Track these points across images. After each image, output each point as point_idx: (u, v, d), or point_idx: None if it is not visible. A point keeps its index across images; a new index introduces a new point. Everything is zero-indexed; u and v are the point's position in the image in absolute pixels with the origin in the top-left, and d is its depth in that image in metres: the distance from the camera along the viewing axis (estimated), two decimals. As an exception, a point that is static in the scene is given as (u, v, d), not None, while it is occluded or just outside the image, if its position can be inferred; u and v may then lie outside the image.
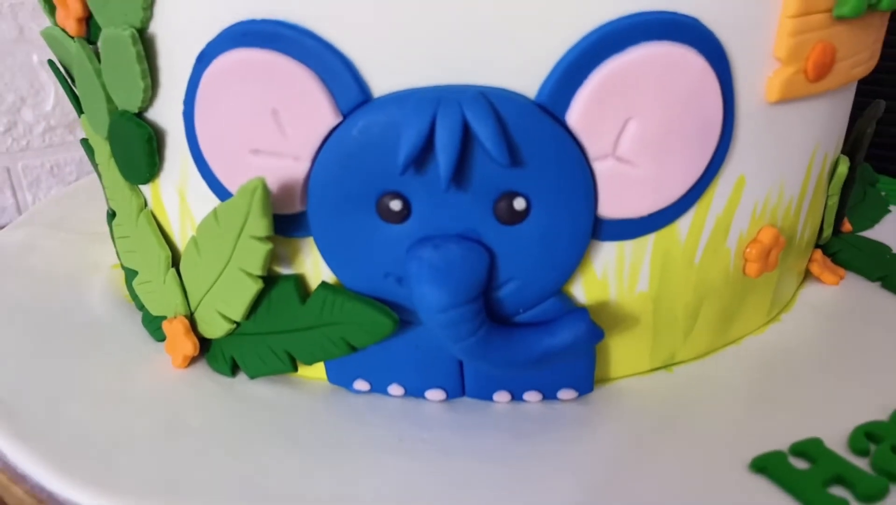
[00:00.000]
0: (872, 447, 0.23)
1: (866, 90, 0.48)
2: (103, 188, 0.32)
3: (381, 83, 0.22)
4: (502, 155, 0.21)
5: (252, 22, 0.22)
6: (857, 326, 0.31)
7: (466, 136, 0.21)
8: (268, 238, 0.23)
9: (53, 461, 0.24)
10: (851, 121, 0.33)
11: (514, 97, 0.21)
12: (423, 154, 0.21)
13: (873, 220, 0.40)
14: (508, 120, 0.21)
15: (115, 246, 0.33)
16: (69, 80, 0.31)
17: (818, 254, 0.34)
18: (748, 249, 0.27)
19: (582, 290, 0.25)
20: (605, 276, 0.25)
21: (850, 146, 0.33)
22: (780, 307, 0.32)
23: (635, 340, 0.27)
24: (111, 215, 0.32)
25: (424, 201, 0.23)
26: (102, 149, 0.29)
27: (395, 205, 0.23)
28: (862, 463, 0.23)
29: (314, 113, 0.22)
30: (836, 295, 0.33)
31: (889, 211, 0.42)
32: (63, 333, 0.31)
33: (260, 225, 0.23)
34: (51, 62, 0.31)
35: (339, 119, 0.22)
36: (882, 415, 0.25)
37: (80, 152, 0.59)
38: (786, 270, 0.31)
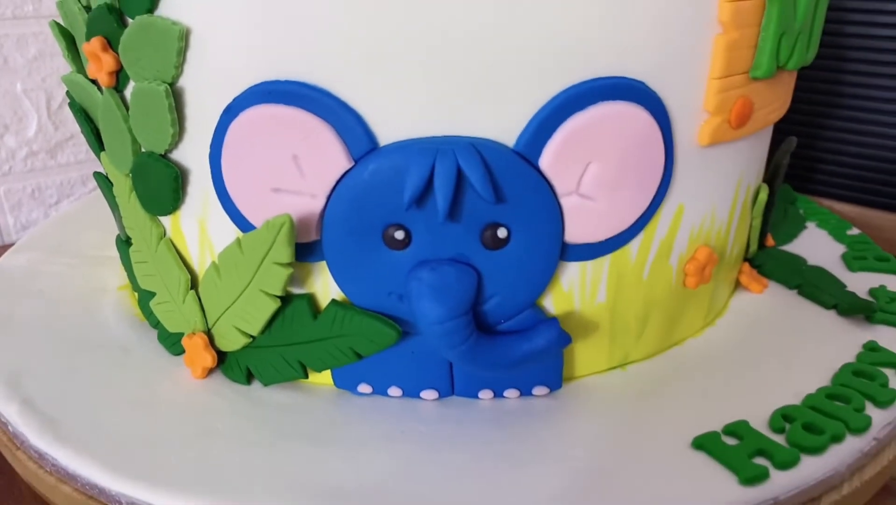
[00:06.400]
0: (787, 426, 0.29)
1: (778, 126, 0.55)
2: (118, 218, 0.36)
3: (387, 134, 0.26)
4: (489, 194, 0.26)
5: (276, 82, 0.26)
6: (778, 328, 0.36)
7: (459, 179, 0.26)
8: (290, 264, 0.27)
9: (100, 460, 0.27)
10: (771, 153, 0.39)
11: (497, 146, 0.26)
12: (424, 193, 0.26)
13: (792, 235, 0.47)
14: (493, 165, 0.26)
15: (128, 270, 0.36)
16: (89, 121, 0.34)
17: (746, 266, 0.40)
18: (687, 266, 0.32)
19: (552, 302, 0.30)
20: (570, 290, 0.30)
21: (770, 175, 0.39)
22: (715, 313, 0.38)
23: (595, 344, 0.32)
24: (125, 242, 0.36)
25: (423, 231, 0.27)
26: (123, 183, 0.33)
27: (399, 235, 0.27)
28: (779, 439, 0.28)
29: (330, 158, 0.26)
30: (761, 301, 0.39)
31: (805, 227, 0.48)
32: (85, 350, 0.34)
33: (284, 253, 0.27)
34: (72, 105, 0.35)
35: (351, 164, 0.26)
36: (796, 400, 0.30)
37: (61, 176, 0.61)
38: (719, 282, 0.36)
